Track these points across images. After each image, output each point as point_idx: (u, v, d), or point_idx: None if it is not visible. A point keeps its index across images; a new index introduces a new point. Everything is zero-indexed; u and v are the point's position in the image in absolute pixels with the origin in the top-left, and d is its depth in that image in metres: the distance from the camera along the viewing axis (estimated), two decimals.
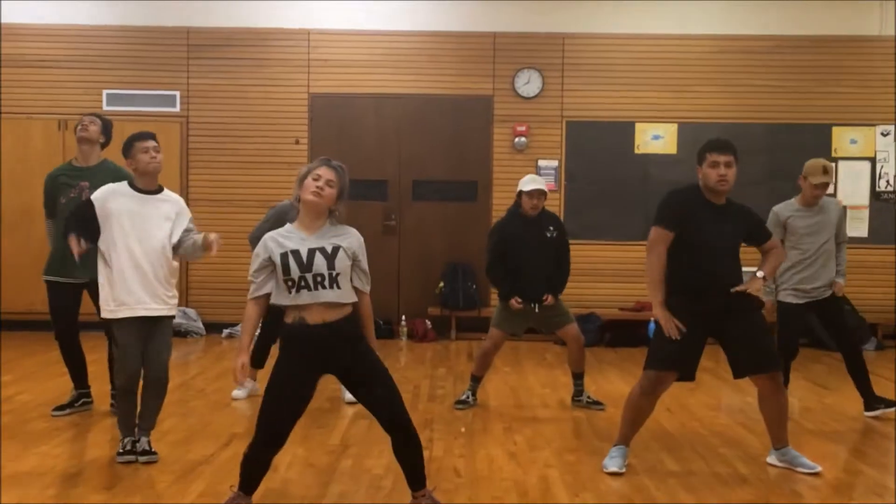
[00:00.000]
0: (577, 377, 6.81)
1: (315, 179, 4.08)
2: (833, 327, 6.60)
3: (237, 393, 6.86)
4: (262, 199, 10.10)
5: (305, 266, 4.01)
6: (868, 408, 6.49)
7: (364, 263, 4.18)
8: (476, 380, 6.83)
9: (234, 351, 4.19)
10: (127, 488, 4.65)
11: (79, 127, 6.29)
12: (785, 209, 6.54)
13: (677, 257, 5.00)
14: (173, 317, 5.30)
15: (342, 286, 4.05)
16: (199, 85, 10.35)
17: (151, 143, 5.17)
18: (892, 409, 6.42)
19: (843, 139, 10.25)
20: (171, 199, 5.26)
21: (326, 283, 4.01)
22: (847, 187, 10.10)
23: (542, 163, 10.26)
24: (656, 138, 10.32)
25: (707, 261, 4.96)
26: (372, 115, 10.32)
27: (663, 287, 5.01)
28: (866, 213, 10.09)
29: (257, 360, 6.92)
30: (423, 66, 10.35)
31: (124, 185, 5.18)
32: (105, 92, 10.30)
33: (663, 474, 5.06)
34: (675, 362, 5.04)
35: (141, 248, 5.06)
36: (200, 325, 10.12)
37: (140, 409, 5.21)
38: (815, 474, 5.04)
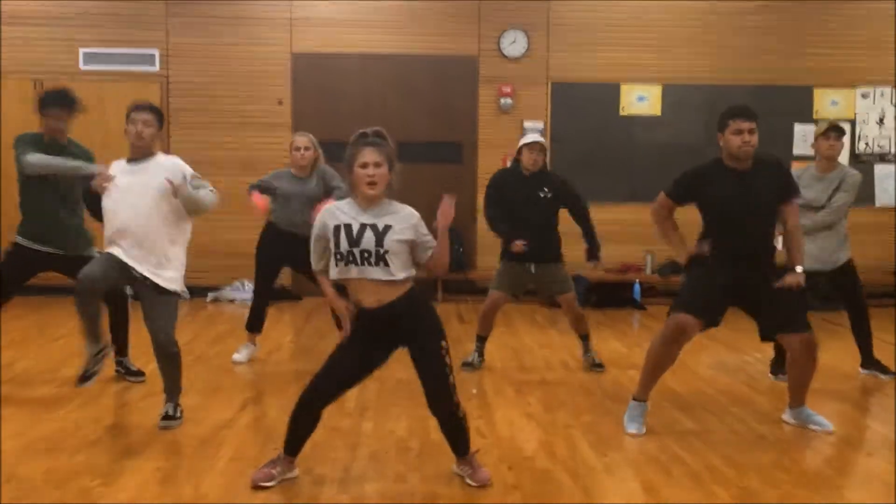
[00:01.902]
0: (583, 339, 6.84)
1: (363, 167, 3.98)
2: (842, 289, 6.64)
3: (238, 357, 6.80)
4: (245, 160, 9.98)
5: (354, 241, 3.97)
6: (865, 366, 6.63)
7: (426, 238, 4.07)
8: (481, 339, 6.83)
9: (329, 302, 4.20)
10: (154, 453, 4.59)
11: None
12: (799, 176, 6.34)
13: (708, 229, 5.09)
14: (175, 293, 5.17)
15: (391, 264, 3.98)
16: (178, 43, 10.12)
17: (141, 116, 4.97)
18: (887, 378, 6.54)
19: (824, 101, 10.36)
20: (163, 165, 5.02)
21: (373, 259, 3.97)
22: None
23: (527, 124, 10.23)
24: (641, 99, 10.35)
25: (735, 231, 4.97)
26: (355, 76, 10.18)
27: (678, 234, 5.19)
28: None
29: (251, 325, 6.86)
30: (407, 26, 10.23)
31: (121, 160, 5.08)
32: (82, 50, 10.03)
33: (683, 433, 5.12)
34: (699, 307, 5.03)
35: (130, 220, 4.92)
36: (185, 289, 9.93)
37: (163, 378, 5.17)
38: (829, 433, 5.13)
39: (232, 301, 9.93)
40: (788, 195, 5.11)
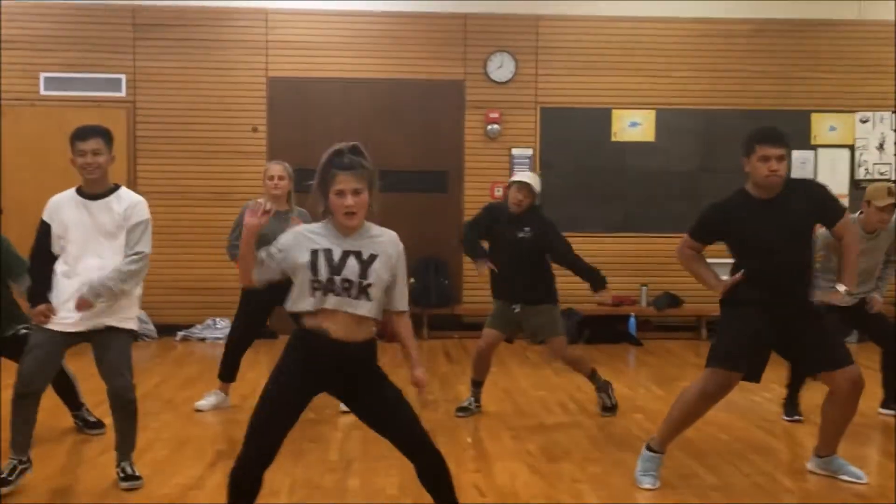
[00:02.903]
0: (591, 378, 6.37)
1: (339, 195, 3.44)
2: (871, 324, 6.21)
3: (202, 403, 6.26)
4: (217, 190, 9.49)
5: (336, 268, 3.44)
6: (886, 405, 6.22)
7: (403, 278, 3.60)
8: (477, 384, 6.35)
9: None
10: None
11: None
12: None
13: (739, 264, 4.64)
14: (130, 331, 4.60)
15: (372, 298, 3.47)
16: (146, 68, 9.60)
17: (89, 146, 4.41)
18: None
19: (822, 126, 10.00)
20: (122, 203, 4.49)
21: (354, 291, 3.45)
22: (826, 175, 9.85)
23: (515, 151, 9.79)
24: (634, 125, 9.94)
25: (768, 264, 4.52)
26: (335, 101, 9.71)
27: (710, 270, 4.77)
28: (846, 201, 9.83)
29: (228, 374, 6.34)
30: (390, 49, 9.78)
31: (70, 191, 4.52)
32: (42, 75, 9.48)
33: (702, 487, 4.65)
34: (744, 363, 4.57)
35: (83, 262, 4.41)
36: (152, 328, 9.40)
37: (116, 432, 4.61)
38: (863, 484, 4.66)
39: (203, 340, 9.36)
40: (834, 217, 4.65)
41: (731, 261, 4.74)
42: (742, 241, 4.62)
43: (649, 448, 4.77)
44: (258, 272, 3.54)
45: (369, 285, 3.45)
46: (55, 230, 4.45)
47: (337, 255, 3.46)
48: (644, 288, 9.84)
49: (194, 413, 6.16)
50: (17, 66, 9.44)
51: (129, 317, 4.56)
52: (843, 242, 4.68)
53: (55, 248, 4.47)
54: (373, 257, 3.49)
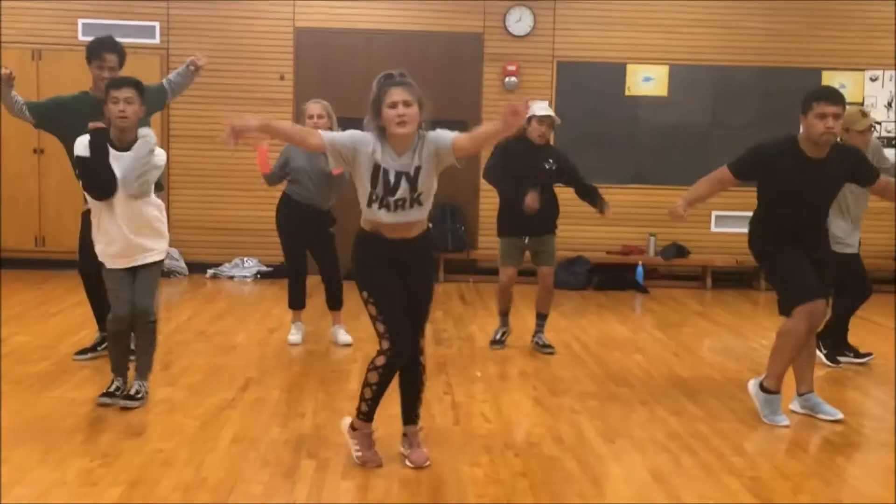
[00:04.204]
0: (540, 317, 6.76)
1: (392, 107, 3.88)
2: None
3: (292, 338, 6.65)
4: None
5: (391, 189, 3.96)
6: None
7: (447, 138, 3.95)
8: (504, 314, 6.78)
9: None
10: (155, 434, 4.50)
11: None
12: None
13: (767, 209, 5.00)
14: (160, 262, 5.05)
15: (423, 203, 4.03)
16: (179, 16, 9.96)
17: (122, 93, 4.75)
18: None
19: (833, 83, 10.15)
20: (149, 144, 4.86)
21: (407, 205, 4.00)
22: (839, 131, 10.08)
23: (531, 103, 10.07)
24: (647, 80, 10.22)
25: (796, 216, 4.88)
26: (359, 52, 10.04)
27: (699, 193, 5.22)
28: None
29: (296, 301, 6.71)
30: (411, 2, 10.08)
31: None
32: (80, 21, 9.84)
33: (691, 420, 5.05)
34: (812, 286, 4.91)
35: (119, 208, 4.80)
36: (183, 265, 9.88)
37: (136, 354, 5.08)
38: (839, 421, 5.05)
39: (231, 278, 9.83)
40: (872, 179, 4.99)
41: (738, 213, 5.11)
42: (779, 191, 4.91)
43: (765, 390, 5.06)
44: (329, 142, 3.96)
45: (420, 194, 3.97)
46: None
47: (392, 178, 3.93)
48: (652, 238, 10.20)
49: (224, 343, 6.61)
50: (58, 11, 9.81)
51: (163, 249, 5.06)
52: (886, 195, 5.05)
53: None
54: (418, 170, 3.95)
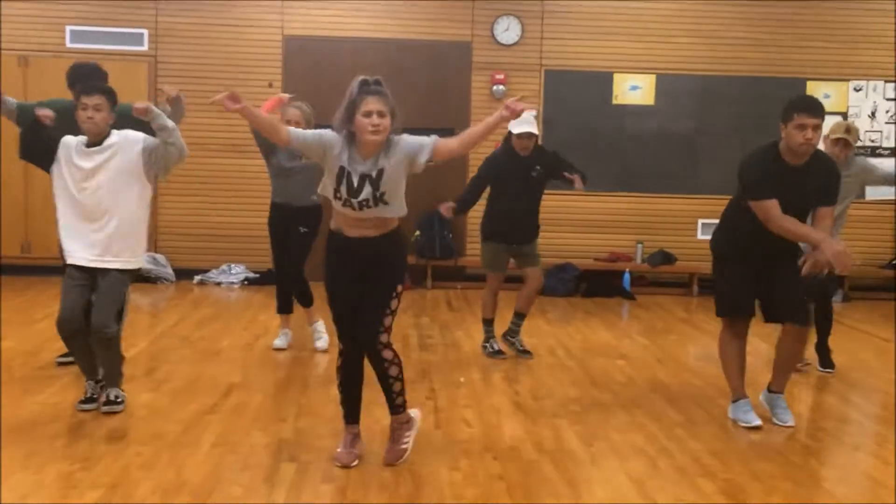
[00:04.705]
0: (519, 317, 6.78)
1: (366, 115, 3.95)
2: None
3: (278, 342, 6.67)
4: (234, 142, 9.89)
5: (354, 191, 4.05)
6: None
7: (416, 144, 4.07)
8: (488, 323, 6.81)
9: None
10: (136, 438, 4.53)
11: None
12: None
13: (739, 212, 5.01)
14: (129, 271, 4.98)
15: (390, 202, 4.09)
16: (167, 23, 10.01)
17: (91, 100, 4.76)
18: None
19: (817, 93, 10.20)
20: (119, 144, 4.83)
21: (372, 203, 4.07)
22: (819, 142, 10.16)
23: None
24: (634, 89, 10.30)
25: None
26: (347, 60, 10.07)
27: (809, 227, 4.88)
28: None
29: (283, 306, 6.72)
30: (400, 11, 10.16)
31: (83, 139, 4.85)
32: (68, 28, 9.90)
33: (669, 425, 5.09)
34: (734, 307, 5.12)
35: (85, 205, 4.81)
36: (170, 272, 9.91)
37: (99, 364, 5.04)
38: (788, 427, 5.06)
39: (218, 284, 9.86)
40: (826, 202, 4.93)
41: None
42: None
43: (732, 400, 5.21)
44: (293, 137, 4.09)
45: (383, 193, 4.04)
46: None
47: (356, 181, 4.02)
48: (639, 245, 10.27)
49: (208, 349, 6.64)
50: (45, 17, 9.85)
51: (139, 260, 5.05)
52: (818, 227, 4.90)
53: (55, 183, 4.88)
54: (381, 171, 4.03)
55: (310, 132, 4.20)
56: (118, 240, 4.86)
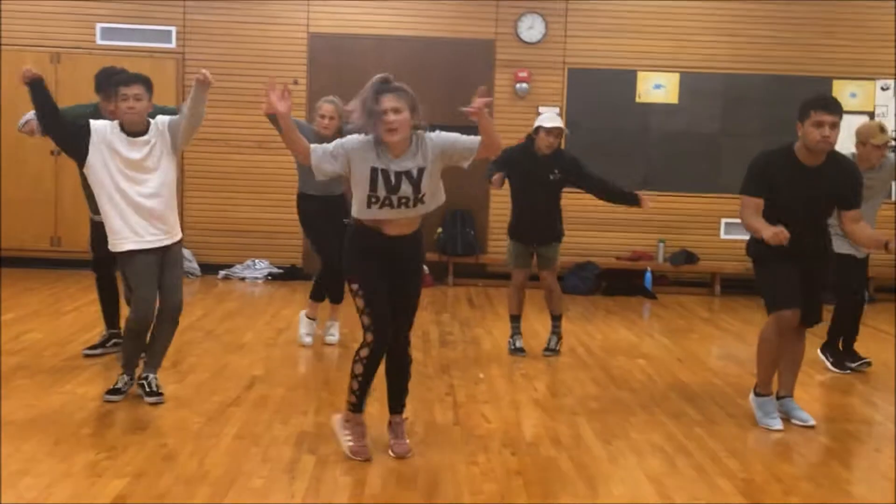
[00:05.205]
0: (553, 318, 6.84)
1: (383, 114, 4.00)
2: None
3: (306, 339, 6.67)
4: (258, 138, 9.96)
5: (393, 188, 4.08)
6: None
7: (457, 144, 4.19)
8: (516, 318, 6.83)
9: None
10: (161, 429, 4.62)
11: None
12: None
13: (764, 215, 4.95)
14: (180, 242, 5.16)
15: (426, 202, 4.17)
16: (196, 21, 10.11)
17: (132, 90, 4.85)
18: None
19: (843, 92, 10.23)
20: (156, 133, 4.94)
21: (411, 203, 4.13)
22: (845, 141, 10.01)
23: (542, 110, 10.12)
24: (658, 87, 10.28)
25: (793, 226, 4.79)
26: (371, 58, 10.12)
27: (760, 220, 4.87)
28: None
29: (324, 294, 6.71)
30: (424, 9, 10.20)
31: (116, 125, 4.92)
32: (99, 25, 10.02)
33: (689, 423, 5.10)
34: (794, 299, 4.98)
35: (135, 191, 4.90)
36: (196, 266, 10.00)
37: (151, 344, 5.14)
38: (811, 427, 5.06)
39: (243, 279, 9.95)
40: (849, 206, 4.92)
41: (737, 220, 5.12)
42: (774, 199, 4.88)
43: (758, 394, 5.17)
44: (316, 158, 4.13)
45: (423, 195, 4.12)
46: (94, 140, 4.88)
47: (392, 177, 4.06)
48: (661, 244, 10.26)
49: (233, 342, 6.71)
50: (77, 15, 9.98)
51: (179, 231, 5.16)
52: (853, 228, 4.92)
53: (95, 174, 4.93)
54: (421, 171, 4.09)
55: (331, 146, 4.18)
56: (170, 215, 5.04)
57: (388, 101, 4.00)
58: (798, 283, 4.97)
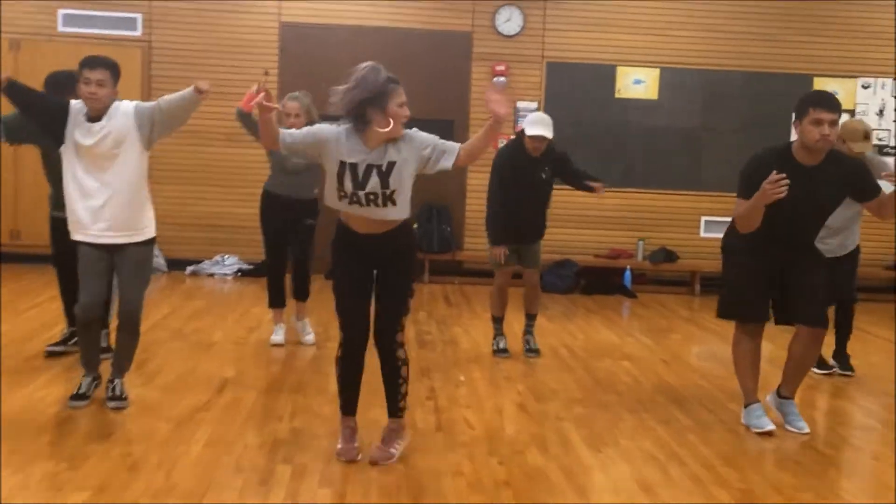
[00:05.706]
0: (528, 317, 6.67)
1: (401, 106, 3.90)
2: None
3: (275, 338, 6.43)
4: (228, 131, 9.61)
5: (360, 184, 3.91)
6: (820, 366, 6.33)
7: (438, 146, 4.00)
8: (498, 320, 6.64)
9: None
10: (126, 437, 4.35)
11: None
12: None
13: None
14: (145, 243, 4.79)
15: (398, 202, 3.97)
16: (162, 7, 9.77)
17: (95, 74, 4.51)
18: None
19: (825, 90, 10.13)
20: (119, 117, 4.57)
21: (380, 201, 3.94)
22: (835, 139, 10.00)
23: (520, 104, 9.96)
24: (637, 83, 10.10)
25: (785, 227, 4.67)
26: (345, 48, 9.86)
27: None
28: None
29: (276, 300, 6.48)
30: None
31: (84, 107, 4.60)
32: (60, 12, 9.64)
33: (679, 429, 4.92)
34: (747, 310, 4.91)
35: (87, 180, 4.59)
36: (162, 262, 9.68)
37: (119, 352, 4.88)
38: (804, 434, 4.89)
39: (211, 275, 9.65)
40: (870, 195, 4.73)
41: (728, 219, 4.92)
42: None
43: (744, 405, 5.02)
44: (285, 144, 4.00)
45: (393, 192, 3.91)
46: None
47: (361, 171, 3.88)
48: (641, 242, 10.08)
49: (201, 343, 6.43)
50: (37, 0, 9.60)
51: (151, 228, 4.88)
52: (882, 211, 4.71)
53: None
54: (391, 164, 3.90)
55: (302, 131, 4.06)
56: (127, 211, 4.66)
57: (404, 95, 3.93)
58: (764, 289, 4.87)
